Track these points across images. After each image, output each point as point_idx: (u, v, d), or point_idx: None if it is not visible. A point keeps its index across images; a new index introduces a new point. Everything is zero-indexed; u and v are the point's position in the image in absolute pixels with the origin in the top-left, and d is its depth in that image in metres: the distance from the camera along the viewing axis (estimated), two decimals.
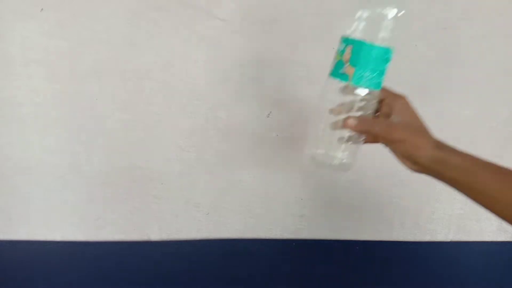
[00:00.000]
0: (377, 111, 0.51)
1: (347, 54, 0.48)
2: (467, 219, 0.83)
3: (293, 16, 0.69)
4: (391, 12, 0.49)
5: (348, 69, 0.48)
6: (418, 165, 0.50)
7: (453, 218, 0.83)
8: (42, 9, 0.66)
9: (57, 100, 0.70)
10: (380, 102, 0.51)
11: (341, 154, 0.52)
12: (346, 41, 0.48)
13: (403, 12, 0.49)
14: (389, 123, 0.49)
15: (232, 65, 0.71)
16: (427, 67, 0.74)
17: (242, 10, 0.68)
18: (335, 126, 0.51)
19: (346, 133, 0.51)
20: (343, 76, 0.49)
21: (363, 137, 0.52)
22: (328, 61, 0.72)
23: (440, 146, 0.49)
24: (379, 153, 0.78)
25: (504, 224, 0.85)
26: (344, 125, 0.48)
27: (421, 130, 0.50)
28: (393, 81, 0.74)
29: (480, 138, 0.79)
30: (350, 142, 0.52)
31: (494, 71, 0.75)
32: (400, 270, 0.72)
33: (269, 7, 0.69)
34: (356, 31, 0.49)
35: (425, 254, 0.78)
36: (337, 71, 0.49)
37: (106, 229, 0.77)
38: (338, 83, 0.50)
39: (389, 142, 0.50)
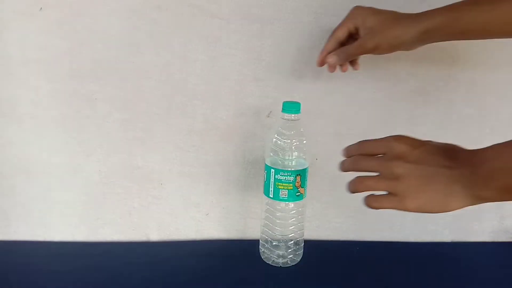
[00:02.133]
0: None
1: (298, 182, 0.66)
2: (467, 219, 0.83)
3: (293, 16, 0.69)
4: (295, 142, 0.67)
5: (301, 190, 0.66)
6: (412, 47, 0.57)
7: (454, 218, 0.83)
8: (41, 8, 0.66)
9: (56, 100, 0.70)
10: (351, 34, 0.60)
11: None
12: (295, 172, 0.65)
13: (304, 141, 0.67)
14: (357, 42, 0.58)
15: (232, 65, 0.71)
16: (427, 66, 0.74)
17: (242, 9, 0.68)
18: None
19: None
20: (299, 197, 0.66)
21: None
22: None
23: (417, 18, 0.54)
24: None
25: (505, 225, 0.85)
26: (328, 64, 0.61)
27: (385, 24, 0.55)
28: (393, 81, 0.74)
29: (481, 138, 0.79)
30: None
31: (495, 71, 0.75)
32: (400, 271, 0.72)
33: (269, 6, 0.68)
34: (275, 155, 0.67)
35: (425, 254, 0.78)
36: (293, 196, 0.66)
37: (105, 229, 0.77)
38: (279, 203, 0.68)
39: (371, 53, 0.57)
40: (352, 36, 0.61)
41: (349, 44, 0.59)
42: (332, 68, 0.63)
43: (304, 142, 0.67)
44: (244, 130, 0.75)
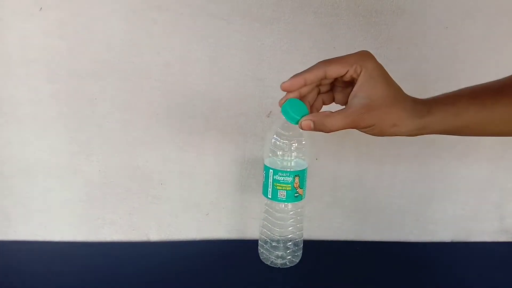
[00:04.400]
0: (347, 83, 0.48)
1: (296, 183, 0.65)
2: (468, 219, 0.83)
3: (294, 15, 0.69)
4: (294, 143, 0.65)
5: (299, 191, 0.66)
6: (400, 135, 0.46)
7: (454, 219, 0.83)
8: (41, 8, 0.65)
9: (56, 100, 0.70)
10: (344, 77, 0.46)
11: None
12: (293, 173, 0.65)
13: (303, 142, 0.66)
14: (347, 114, 0.45)
15: (232, 65, 0.71)
16: (428, 66, 0.74)
17: (242, 9, 0.68)
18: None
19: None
20: (298, 198, 0.66)
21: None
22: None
23: (418, 112, 0.46)
24: (380, 152, 0.78)
25: (506, 225, 0.85)
26: (301, 127, 0.46)
27: (390, 104, 0.44)
28: (394, 79, 0.74)
29: (481, 138, 0.79)
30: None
31: (495, 71, 0.74)
32: (400, 271, 0.72)
33: (269, 6, 0.68)
34: (274, 155, 0.66)
35: (425, 255, 0.78)
36: (291, 197, 0.65)
37: (105, 230, 0.77)
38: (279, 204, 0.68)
39: (357, 128, 0.45)
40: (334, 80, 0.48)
41: (334, 114, 0.45)
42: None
43: (303, 142, 0.67)
44: (244, 130, 0.74)
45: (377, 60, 0.46)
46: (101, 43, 0.68)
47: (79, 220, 0.77)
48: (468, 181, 0.81)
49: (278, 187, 0.65)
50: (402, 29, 0.71)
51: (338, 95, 0.50)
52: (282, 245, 0.71)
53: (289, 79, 0.46)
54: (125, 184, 0.75)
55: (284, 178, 0.65)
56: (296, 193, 0.66)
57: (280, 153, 0.66)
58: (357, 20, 0.70)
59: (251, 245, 0.74)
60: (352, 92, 0.45)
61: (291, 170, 0.65)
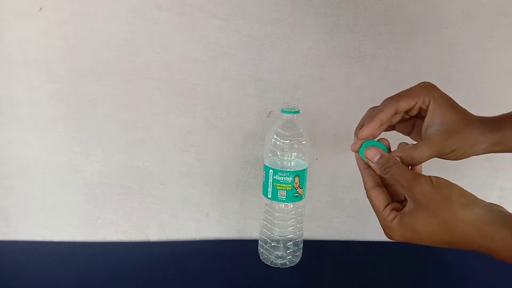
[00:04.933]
0: (415, 116, 0.49)
1: (296, 183, 0.66)
2: None
3: (294, 15, 0.69)
4: (294, 143, 0.67)
5: (299, 191, 0.66)
6: (477, 154, 0.47)
7: None
8: (41, 8, 0.66)
9: (56, 100, 0.70)
10: (411, 110, 0.48)
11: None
12: (293, 173, 0.65)
13: (303, 142, 0.67)
14: (429, 143, 0.45)
15: (232, 65, 0.71)
16: (428, 66, 0.74)
17: (242, 9, 0.68)
18: None
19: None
20: (298, 198, 0.66)
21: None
22: (329, 60, 0.72)
23: (490, 127, 0.46)
24: None
25: None
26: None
27: (465, 125, 0.45)
28: (394, 80, 0.74)
29: None
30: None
31: (495, 71, 0.75)
32: (401, 271, 0.72)
33: (269, 6, 0.68)
34: (274, 155, 0.67)
35: (425, 254, 0.78)
36: (291, 197, 0.66)
37: (105, 230, 0.77)
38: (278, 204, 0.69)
39: (441, 157, 0.46)
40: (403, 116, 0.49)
41: (418, 146, 0.46)
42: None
43: (303, 142, 0.67)
44: (244, 130, 0.74)
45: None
46: (101, 43, 0.68)
47: (79, 220, 0.77)
48: (468, 181, 0.81)
49: (278, 187, 0.65)
50: (402, 29, 0.71)
51: (401, 125, 0.51)
52: (282, 245, 0.71)
53: (365, 126, 0.47)
54: (125, 184, 0.75)
55: (284, 178, 0.65)
56: (296, 193, 0.66)
57: (280, 153, 0.66)
58: (357, 20, 0.70)
59: (251, 245, 0.74)
60: (425, 122, 0.47)
61: (291, 170, 0.65)
